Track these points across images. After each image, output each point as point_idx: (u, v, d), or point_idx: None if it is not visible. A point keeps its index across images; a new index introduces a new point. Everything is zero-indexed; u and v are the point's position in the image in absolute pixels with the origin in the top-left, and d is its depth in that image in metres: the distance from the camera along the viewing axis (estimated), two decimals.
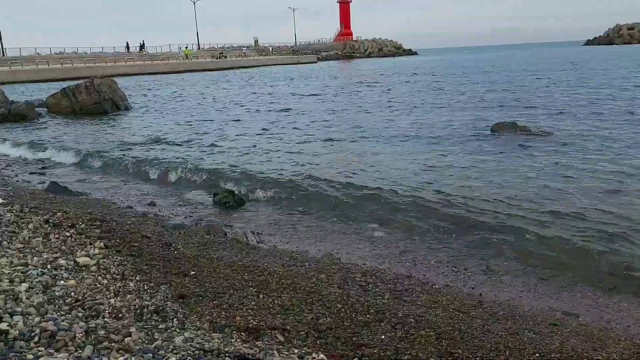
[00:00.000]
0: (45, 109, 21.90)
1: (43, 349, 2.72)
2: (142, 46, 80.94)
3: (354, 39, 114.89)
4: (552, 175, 9.11)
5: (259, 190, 9.05)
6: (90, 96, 21.60)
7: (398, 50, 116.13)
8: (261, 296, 4.30)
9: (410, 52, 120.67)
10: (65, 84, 24.57)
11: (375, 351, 3.48)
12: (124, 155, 12.78)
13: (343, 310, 4.16)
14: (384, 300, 4.56)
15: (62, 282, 3.93)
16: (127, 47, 78.76)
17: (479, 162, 10.36)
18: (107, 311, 3.46)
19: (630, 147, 10.99)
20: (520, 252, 6.10)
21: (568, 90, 23.80)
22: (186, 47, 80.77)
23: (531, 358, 3.63)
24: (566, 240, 6.25)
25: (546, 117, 15.93)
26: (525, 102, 19.97)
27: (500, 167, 9.84)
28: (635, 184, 8.32)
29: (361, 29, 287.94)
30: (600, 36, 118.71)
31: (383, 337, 3.72)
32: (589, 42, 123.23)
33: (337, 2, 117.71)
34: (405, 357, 3.45)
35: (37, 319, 3.05)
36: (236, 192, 8.78)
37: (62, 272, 4.19)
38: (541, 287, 5.38)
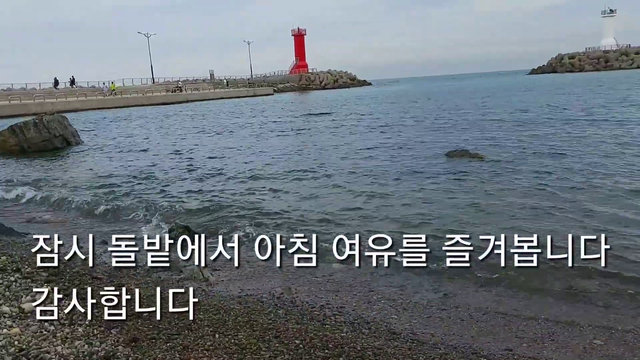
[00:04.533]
0: None
1: None
2: (72, 81, 74.30)
3: (309, 70, 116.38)
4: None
5: (217, 225, 8.95)
6: (40, 133, 21.01)
7: (353, 82, 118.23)
8: (217, 335, 4.21)
9: (364, 83, 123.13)
10: (13, 121, 23.81)
11: None
12: (73, 193, 12.43)
13: (301, 346, 4.11)
14: (342, 334, 4.53)
15: (5, 330, 3.76)
16: (56, 83, 70.66)
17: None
18: None
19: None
20: (475, 281, 6.16)
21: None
22: (112, 83, 77.56)
23: None
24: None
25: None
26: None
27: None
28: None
29: (316, 59, 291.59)
30: (543, 65, 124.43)
31: None
32: (533, 71, 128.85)
33: (292, 35, 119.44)
34: None
35: None
36: (191, 227, 8.64)
37: (6, 319, 4.01)
38: (495, 319, 5.45)
